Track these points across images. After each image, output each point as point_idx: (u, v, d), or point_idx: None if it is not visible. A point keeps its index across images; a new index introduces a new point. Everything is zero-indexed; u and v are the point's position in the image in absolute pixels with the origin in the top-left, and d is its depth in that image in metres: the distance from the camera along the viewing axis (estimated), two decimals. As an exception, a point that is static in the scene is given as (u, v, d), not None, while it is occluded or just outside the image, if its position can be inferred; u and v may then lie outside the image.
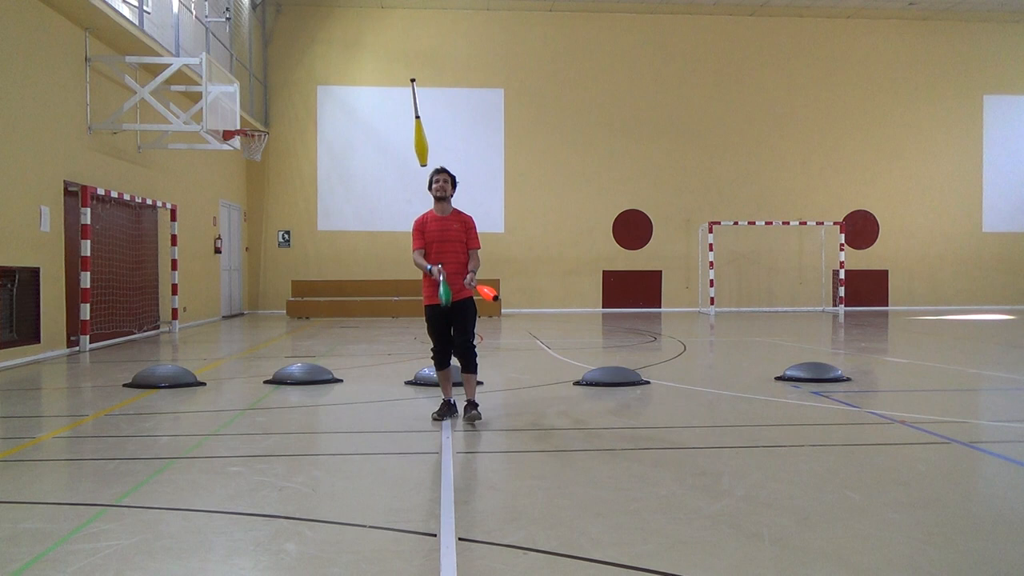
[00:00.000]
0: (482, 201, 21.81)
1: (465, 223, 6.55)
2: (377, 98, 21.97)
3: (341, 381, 8.61)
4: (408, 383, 8.45)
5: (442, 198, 6.54)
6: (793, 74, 22.87)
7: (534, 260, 22.22)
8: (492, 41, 22.18)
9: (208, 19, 17.06)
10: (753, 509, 4.04)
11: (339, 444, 5.71)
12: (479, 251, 6.65)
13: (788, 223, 21.77)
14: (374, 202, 21.89)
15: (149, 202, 14.07)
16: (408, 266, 21.52)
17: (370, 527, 3.75)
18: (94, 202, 11.97)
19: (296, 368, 8.66)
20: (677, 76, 22.60)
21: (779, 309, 22.51)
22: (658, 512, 4.00)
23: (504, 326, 17.46)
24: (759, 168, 22.81)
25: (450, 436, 5.80)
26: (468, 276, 6.35)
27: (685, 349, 12.29)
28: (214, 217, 18.90)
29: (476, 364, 6.57)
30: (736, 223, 21.50)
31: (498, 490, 4.56)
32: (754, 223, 21.57)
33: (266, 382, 8.53)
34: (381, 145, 21.87)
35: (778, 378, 8.51)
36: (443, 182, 6.53)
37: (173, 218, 15.13)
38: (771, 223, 21.67)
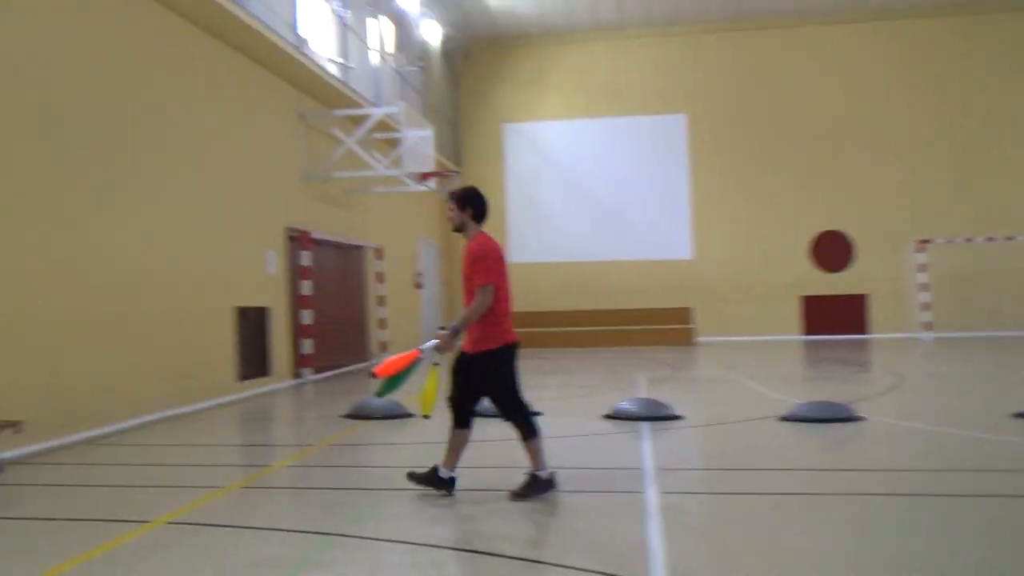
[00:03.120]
0: (668, 228, 21.57)
1: (469, 252, 5.25)
2: (561, 131, 22.40)
3: (540, 414, 8.70)
4: (606, 417, 8.41)
5: (457, 230, 5.46)
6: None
7: (725, 286, 21.51)
8: (672, 66, 21.95)
9: (404, 69, 18.19)
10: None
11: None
12: (485, 290, 5.09)
13: (1013, 238, 19.65)
14: (562, 233, 22.21)
15: (357, 243, 15.13)
16: (598, 295, 21.62)
17: (575, 568, 3.74)
18: (312, 245, 13.04)
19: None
20: (876, 86, 21.19)
21: (1007, 334, 20.29)
22: (898, 571, 3.68)
23: (699, 356, 17.01)
24: (978, 179, 20.81)
25: (653, 474, 5.69)
26: (446, 328, 5.13)
27: (901, 380, 11.36)
28: (414, 254, 19.97)
29: (526, 429, 5.31)
30: (952, 240, 19.70)
31: (708, 535, 4.40)
32: (972, 239, 19.67)
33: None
34: (566, 177, 22.24)
35: (1019, 415, 7.62)
36: (449, 211, 5.43)
37: (379, 257, 16.14)
38: (993, 239, 19.66)
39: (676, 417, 8.13)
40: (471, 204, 5.33)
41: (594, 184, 22.06)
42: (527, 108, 22.62)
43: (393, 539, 4.28)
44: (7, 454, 6.61)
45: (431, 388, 5.04)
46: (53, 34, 7.71)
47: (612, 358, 16.67)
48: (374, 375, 5.01)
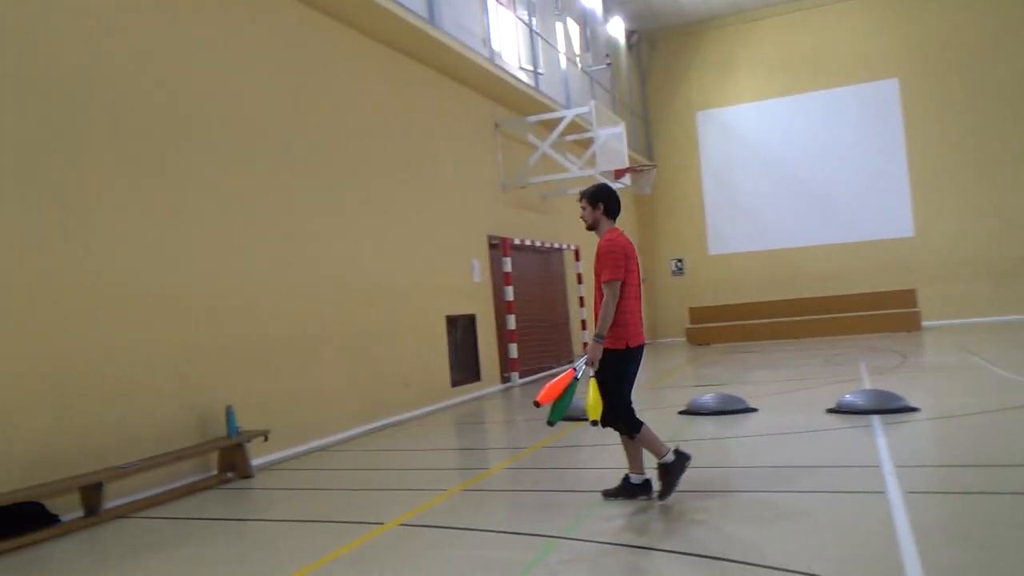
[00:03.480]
0: (883, 205, 19.92)
1: (598, 249, 5.11)
2: (757, 113, 21.39)
3: (756, 410, 8.33)
4: (830, 411, 7.86)
5: (591, 228, 5.33)
6: None
7: (953, 263, 19.47)
8: (880, 29, 20.24)
9: (591, 68, 18.18)
10: None
11: (769, 480, 5.46)
12: (611, 286, 4.93)
13: None
14: (764, 220, 21.18)
15: (556, 246, 15.30)
16: (806, 283, 20.42)
17: (823, 578, 3.48)
18: (512, 251, 13.35)
19: (709, 398, 8.59)
20: None
21: None
22: None
23: (926, 341, 15.55)
24: None
25: (893, 472, 5.21)
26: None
27: None
28: (611, 253, 19.87)
29: (628, 431, 5.14)
30: None
31: (966, 540, 3.95)
32: None
33: (680, 412, 8.60)
34: (766, 161, 21.17)
35: None
36: (582, 210, 5.32)
37: (577, 258, 16.23)
38: None
39: (911, 409, 7.44)
40: (602, 200, 5.26)
41: (796, 166, 20.83)
42: (720, 93, 21.82)
43: (616, 542, 4.22)
44: (256, 461, 7.30)
45: (595, 396, 4.89)
46: (281, 68, 8.43)
47: (827, 348, 15.64)
48: (537, 404, 4.92)
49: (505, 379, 13.22)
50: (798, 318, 19.44)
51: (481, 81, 12.71)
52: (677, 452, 5.04)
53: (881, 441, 6.28)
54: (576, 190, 15.61)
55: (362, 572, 4.12)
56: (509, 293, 13.20)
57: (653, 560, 3.92)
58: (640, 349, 5.16)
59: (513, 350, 13.19)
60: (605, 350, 4.98)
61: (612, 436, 7.68)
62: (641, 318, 5.22)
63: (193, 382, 6.97)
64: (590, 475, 6.06)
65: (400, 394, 10.07)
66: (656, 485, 5.04)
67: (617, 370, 5.04)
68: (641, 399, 10.10)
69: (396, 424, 9.69)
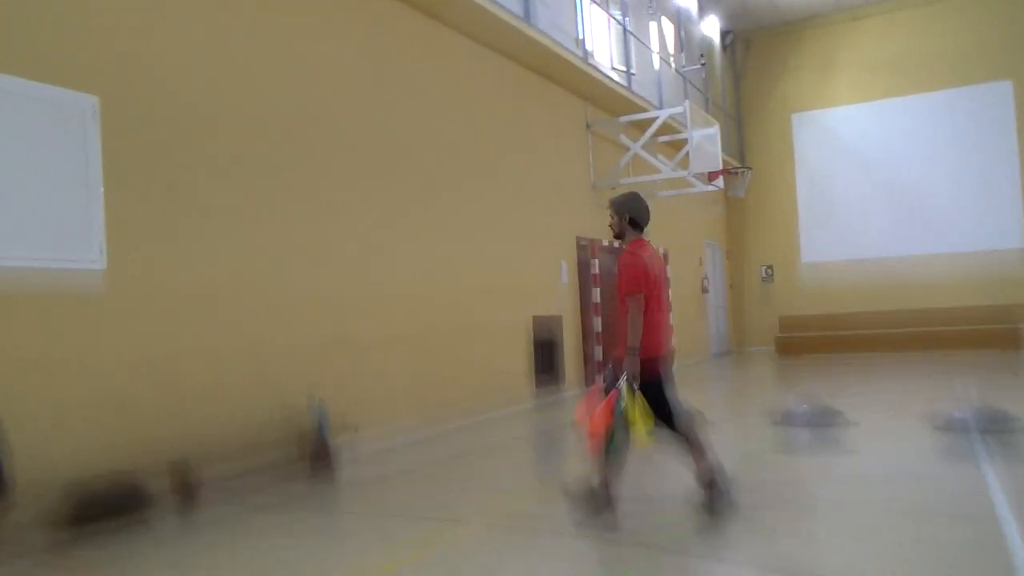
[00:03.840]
0: (989, 215, 18.80)
1: (620, 261, 5.09)
2: (856, 116, 20.54)
3: (856, 424, 7.96)
4: (937, 428, 7.45)
5: (618, 237, 5.30)
6: None
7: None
8: (993, 28, 19.12)
9: (684, 68, 17.85)
10: None
11: (872, 499, 5.17)
12: (634, 298, 4.84)
13: None
14: (861, 228, 20.29)
15: (643, 248, 15.04)
16: (903, 295, 19.52)
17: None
18: (600, 254, 13.20)
19: (804, 410, 8.27)
20: None
21: None
22: None
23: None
24: None
25: (1005, 496, 4.87)
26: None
27: None
28: (700, 257, 19.48)
29: (686, 447, 5.02)
30: None
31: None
32: None
33: (774, 423, 8.31)
34: (864, 166, 20.31)
35: None
36: (610, 219, 5.30)
37: (666, 261, 15.93)
38: None
39: (1027, 430, 6.99)
40: (628, 210, 5.19)
41: (897, 172, 19.89)
42: (817, 95, 21.08)
43: (719, 558, 4.06)
44: (344, 455, 7.39)
45: (638, 415, 4.68)
46: (372, 64, 8.54)
47: (927, 362, 14.90)
48: (578, 423, 4.81)
49: (589, 382, 13.06)
50: (894, 330, 18.60)
51: (574, 81, 12.61)
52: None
53: (991, 462, 5.89)
54: (666, 193, 15.36)
55: (450, 570, 4.08)
56: (596, 295, 13.06)
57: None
58: (660, 359, 4.99)
59: (598, 353, 13.04)
60: (616, 359, 4.94)
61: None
62: (665, 331, 5.09)
63: (286, 376, 7.11)
64: (681, 484, 5.88)
65: (483, 392, 10.06)
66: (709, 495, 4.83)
67: (656, 387, 4.89)
68: (730, 408, 9.86)
69: (485, 422, 9.68)
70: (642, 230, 5.24)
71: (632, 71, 14.60)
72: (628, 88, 14.07)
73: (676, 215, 17.74)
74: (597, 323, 13.02)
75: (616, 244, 8.11)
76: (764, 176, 21.37)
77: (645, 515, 5.02)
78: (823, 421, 8.02)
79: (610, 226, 5.32)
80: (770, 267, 21.67)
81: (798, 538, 4.35)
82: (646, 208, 5.28)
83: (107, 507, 5.31)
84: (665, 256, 15.88)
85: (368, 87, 8.46)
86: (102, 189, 5.65)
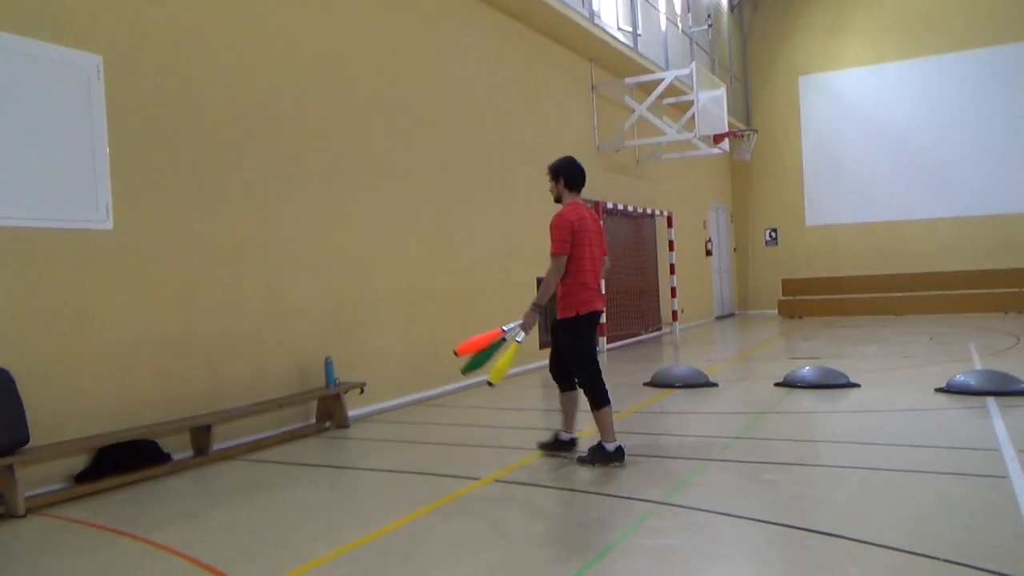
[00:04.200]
0: (1002, 179, 18.71)
1: (551, 223, 5.38)
2: (865, 79, 20.29)
3: (858, 386, 8.02)
4: (939, 390, 7.50)
5: (557, 200, 5.62)
6: None
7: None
8: (1006, -11, 18.87)
9: (691, 29, 17.63)
10: None
11: (876, 457, 5.24)
12: (555, 259, 5.27)
13: None
14: (868, 192, 20.21)
15: (648, 211, 15.02)
16: (910, 258, 19.52)
17: (943, 560, 3.31)
18: (604, 216, 13.17)
19: (808, 371, 8.32)
20: None
21: None
22: None
23: (1044, 323, 14.66)
24: None
25: (1015, 458, 4.92)
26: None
27: None
28: (704, 221, 19.43)
29: (594, 399, 5.32)
30: None
31: (1104, 531, 3.69)
32: None
33: (776, 384, 8.36)
34: (872, 129, 20.14)
35: None
36: (550, 184, 5.66)
37: (669, 224, 15.91)
38: None
39: (1031, 392, 7.04)
40: (564, 174, 5.52)
41: (906, 135, 19.73)
42: (825, 57, 20.83)
43: (718, 511, 4.13)
44: (353, 412, 7.48)
45: (505, 360, 5.13)
46: (382, 28, 8.46)
47: (933, 326, 14.94)
48: (456, 353, 5.24)
49: (593, 344, 13.12)
50: (900, 294, 18.62)
51: (580, 42, 12.47)
52: (620, 448, 5.23)
53: (999, 424, 5.95)
54: (672, 155, 15.27)
55: (462, 524, 4.16)
56: (600, 258, 13.06)
57: (757, 531, 3.81)
58: (592, 316, 5.35)
59: (602, 315, 13.07)
60: (559, 321, 5.38)
61: (705, 403, 7.57)
62: (596, 287, 5.40)
63: (297, 335, 7.16)
64: (686, 442, 5.96)
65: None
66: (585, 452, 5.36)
67: (574, 339, 5.34)
68: (737, 370, 9.92)
69: (487, 383, 9.74)
70: (578, 192, 5.57)
71: (638, 32, 14.42)
72: (634, 49, 13.92)
73: (681, 178, 17.66)
74: (601, 285, 13.03)
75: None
76: (770, 139, 21.23)
77: (651, 466, 5.09)
78: (826, 382, 8.07)
79: (550, 191, 5.63)
80: (774, 230, 21.62)
81: (798, 493, 4.42)
82: (581, 171, 5.57)
83: (122, 462, 5.40)
84: (669, 219, 15.87)
85: (373, 48, 8.39)
86: (108, 150, 5.64)
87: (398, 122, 8.67)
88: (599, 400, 5.30)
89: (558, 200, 5.58)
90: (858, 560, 3.37)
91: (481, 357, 5.28)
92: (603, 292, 5.49)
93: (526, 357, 10.96)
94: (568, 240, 5.25)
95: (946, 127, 19.33)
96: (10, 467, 4.66)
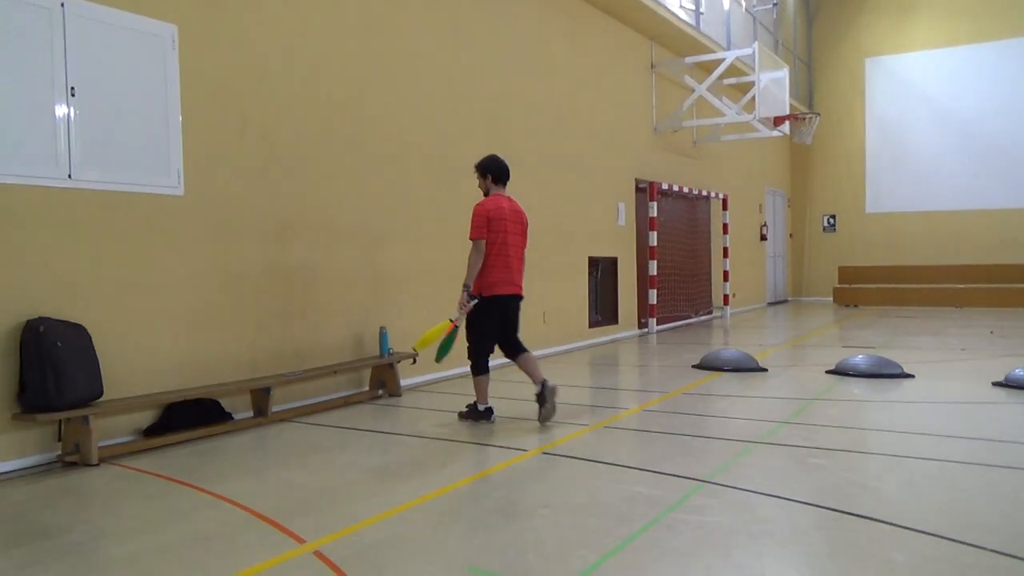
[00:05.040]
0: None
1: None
2: (934, 62, 19.70)
3: (912, 376, 7.92)
4: (996, 384, 7.37)
5: (485, 194, 6.21)
6: None
7: None
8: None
9: (755, 8, 17.29)
10: None
11: (926, 447, 5.21)
12: (473, 244, 5.95)
13: None
14: (932, 179, 19.69)
15: (704, 193, 14.89)
16: (973, 249, 18.99)
17: (990, 551, 3.31)
18: (659, 196, 13.12)
19: (860, 359, 8.24)
20: None
21: None
22: None
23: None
24: None
25: (1071, 453, 4.85)
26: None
27: None
28: (760, 205, 19.16)
29: (473, 366, 6.19)
30: None
31: None
32: None
33: (828, 372, 8.30)
34: (940, 115, 19.57)
35: None
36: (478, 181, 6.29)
37: (724, 207, 15.76)
38: None
39: (1093, 390, 6.88)
40: (488, 171, 6.14)
41: (974, 122, 19.11)
42: (893, 39, 20.25)
43: (766, 492, 4.17)
44: (405, 382, 7.66)
45: (434, 332, 5.99)
46: (424, 11, 8.53)
47: (994, 320, 14.56)
48: (415, 349, 6.27)
49: (642, 324, 13.14)
50: (961, 285, 18.15)
51: (640, 19, 12.37)
52: (489, 409, 6.09)
53: (1056, 419, 5.84)
54: (730, 137, 15.08)
55: (510, 491, 4.29)
56: (653, 239, 13.02)
57: (801, 513, 3.86)
58: (498, 300, 5.98)
59: (653, 296, 13.07)
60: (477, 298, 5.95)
61: (754, 387, 7.56)
62: (508, 273, 6.01)
63: (354, 304, 7.36)
64: (732, 424, 5.99)
65: (539, 330, 10.22)
66: (467, 410, 6.16)
67: (474, 316, 5.99)
68: (787, 356, 9.85)
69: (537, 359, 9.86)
70: (503, 186, 6.20)
71: (700, 10, 14.22)
72: (695, 27, 13.75)
73: (738, 160, 17.44)
74: (653, 266, 13.02)
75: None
76: (832, 123, 20.78)
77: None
78: (879, 372, 7.98)
79: (479, 187, 6.21)
80: (833, 216, 21.21)
81: (845, 478, 4.43)
82: (506, 168, 6.19)
83: (187, 419, 5.66)
84: (724, 202, 15.70)
85: (432, 27, 8.47)
86: (180, 118, 5.85)
87: (454, 100, 8.75)
88: (477, 369, 6.07)
89: (486, 194, 6.17)
90: (902, 545, 3.39)
91: (445, 344, 5.99)
92: (519, 281, 6.13)
93: (574, 336, 11.05)
94: (483, 227, 5.90)
95: (1016, 114, 18.67)
96: (85, 418, 4.93)
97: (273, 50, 6.61)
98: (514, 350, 6.22)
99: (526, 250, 6.31)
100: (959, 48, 19.33)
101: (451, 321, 5.98)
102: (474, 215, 5.97)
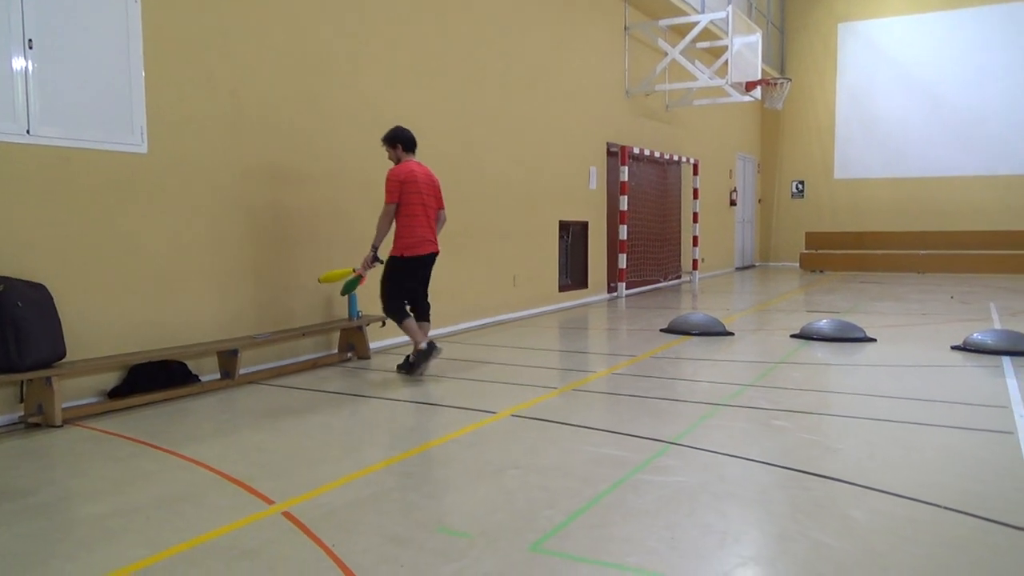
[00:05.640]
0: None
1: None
2: (905, 28, 19.80)
3: (874, 340, 8.08)
4: (955, 348, 7.55)
5: (396, 163, 6.54)
6: None
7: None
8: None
9: (729, -29, 17.18)
10: None
11: (887, 409, 5.33)
12: (385, 207, 6.38)
13: None
14: (899, 146, 19.92)
15: (675, 158, 14.92)
16: (939, 216, 19.30)
17: (945, 508, 3.42)
18: (630, 160, 13.11)
19: (825, 324, 8.38)
20: None
21: None
22: None
23: (1069, 287, 14.54)
24: None
25: (1024, 415, 5.00)
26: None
27: None
28: (730, 170, 19.25)
29: (394, 321, 6.62)
30: None
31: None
32: None
33: (792, 336, 8.44)
34: (909, 82, 19.73)
35: None
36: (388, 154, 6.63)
37: (695, 172, 15.80)
38: None
39: (1047, 354, 7.08)
40: (397, 141, 6.45)
41: (944, 89, 19.29)
42: (865, 4, 20.29)
43: (727, 453, 4.25)
44: (374, 344, 7.65)
45: (338, 274, 6.56)
46: (408, -37, 8.36)
47: (955, 285, 14.87)
48: (319, 280, 6.72)
49: (612, 288, 13.22)
50: (924, 251, 18.49)
51: (614, -20, 12.24)
52: (430, 343, 6.47)
53: (1012, 383, 6.01)
54: (702, 101, 15.07)
55: (479, 453, 4.32)
56: (624, 203, 13.04)
57: (764, 473, 3.94)
58: (415, 260, 6.40)
59: (622, 260, 13.13)
60: (389, 258, 6.42)
61: (721, 351, 7.67)
62: (423, 232, 6.40)
63: (322, 266, 7.28)
64: (699, 387, 6.08)
65: (509, 293, 10.25)
66: (412, 359, 6.50)
67: (390, 273, 6.42)
68: (754, 320, 9.98)
69: (504, 323, 9.91)
70: (412, 153, 6.51)
71: (675, -28, 14.09)
72: (669, -11, 13.64)
73: (710, 125, 17.47)
74: (623, 231, 13.06)
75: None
76: (803, 89, 20.85)
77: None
78: (843, 336, 8.13)
79: (388, 158, 6.53)
80: (801, 182, 21.39)
81: (806, 440, 4.53)
82: (412, 138, 6.52)
83: (153, 380, 5.61)
84: (695, 167, 15.75)
85: (405, -21, 8.32)
86: (143, 74, 5.70)
87: (424, 61, 8.63)
88: (399, 317, 6.44)
89: (397, 163, 6.46)
90: (860, 503, 3.49)
91: (349, 285, 6.54)
92: (435, 239, 6.56)
93: (544, 300, 11.09)
94: (396, 192, 6.26)
95: (986, 82, 18.89)
96: (48, 379, 4.87)
97: (239, 4, 6.45)
98: (419, 314, 6.62)
99: (444, 211, 6.76)
100: (931, 14, 19.44)
101: (354, 271, 6.51)
102: (387, 180, 6.30)
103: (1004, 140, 18.69)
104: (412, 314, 6.56)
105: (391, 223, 6.36)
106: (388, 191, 6.30)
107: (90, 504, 3.61)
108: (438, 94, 8.79)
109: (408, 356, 6.59)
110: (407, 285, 6.50)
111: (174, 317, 5.96)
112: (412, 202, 6.33)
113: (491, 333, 9.09)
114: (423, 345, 6.47)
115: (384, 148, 6.55)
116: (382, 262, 6.50)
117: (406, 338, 8.19)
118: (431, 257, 6.54)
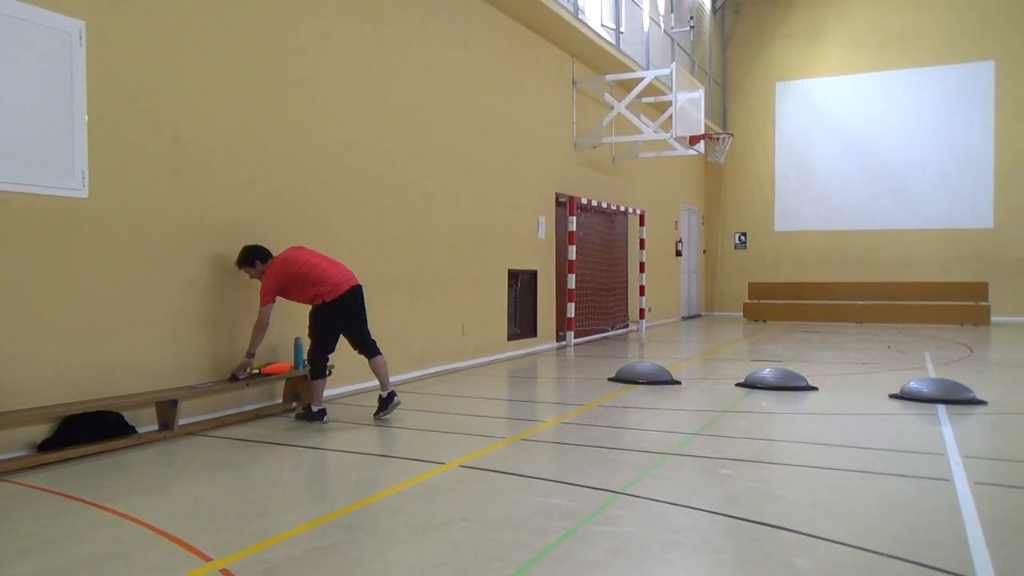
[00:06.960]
0: (963, 193, 19.23)
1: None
2: (839, 88, 20.73)
3: (816, 389, 8.24)
4: (893, 396, 7.75)
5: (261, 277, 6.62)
6: None
7: (1033, 260, 18.81)
8: (977, 8, 19.31)
9: (673, 30, 17.80)
10: None
11: (827, 457, 5.42)
12: (263, 310, 6.45)
13: None
14: (836, 200, 20.67)
15: (622, 208, 15.19)
16: (874, 267, 19.94)
17: (887, 556, 3.47)
18: (578, 211, 13.30)
19: (768, 373, 8.53)
20: None
21: None
22: None
23: (995, 336, 15.09)
24: None
25: (960, 463, 5.13)
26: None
27: None
28: (676, 221, 19.67)
29: (312, 372, 6.67)
30: None
31: (1036, 535, 3.88)
32: None
33: (737, 384, 8.56)
34: (843, 138, 20.59)
35: None
36: (249, 276, 6.76)
37: (641, 223, 16.10)
38: None
39: (978, 402, 7.31)
40: (257, 257, 6.56)
41: (876, 146, 20.18)
42: (802, 65, 21.19)
43: (678, 503, 4.26)
44: (328, 392, 7.50)
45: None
46: (354, 13, 8.46)
47: (891, 335, 15.32)
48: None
49: (560, 337, 13.28)
50: (862, 302, 19.04)
51: (562, 35, 12.56)
52: (322, 411, 6.54)
53: (947, 430, 6.18)
54: (647, 154, 15.43)
55: (426, 505, 4.25)
56: (572, 252, 13.20)
57: (711, 522, 3.95)
58: (344, 300, 6.46)
59: (571, 309, 13.23)
60: (311, 308, 6.49)
61: (668, 399, 7.73)
62: (339, 268, 6.55)
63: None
64: (647, 436, 6.10)
65: (459, 341, 10.21)
66: (300, 411, 6.69)
67: (317, 320, 6.50)
68: (700, 369, 10.11)
69: (453, 371, 9.85)
70: (271, 257, 6.59)
71: (621, 29, 14.55)
72: (616, 46, 14.05)
73: (655, 178, 17.87)
74: (571, 280, 13.18)
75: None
76: (744, 143, 21.54)
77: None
78: (786, 384, 8.28)
79: (251, 277, 6.63)
80: (744, 234, 21.95)
81: (751, 488, 4.57)
82: (259, 247, 6.63)
83: (87, 433, 5.40)
84: (641, 218, 16.07)
85: (352, 33, 8.39)
86: (86, 117, 5.61)
87: (374, 110, 8.69)
88: (316, 373, 6.52)
89: (263, 273, 6.53)
90: (805, 552, 3.51)
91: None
92: (352, 274, 6.67)
93: (493, 348, 11.08)
94: (274, 291, 6.40)
95: (914, 140, 19.79)
96: (-26, 432, 4.65)
97: (188, 48, 6.42)
98: (368, 351, 6.65)
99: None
100: (861, 75, 20.38)
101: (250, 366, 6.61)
102: (264, 282, 6.43)
103: (931, 195, 19.54)
104: (363, 355, 6.66)
105: (265, 328, 6.39)
106: (266, 291, 6.36)
107: (16, 563, 3.43)
108: (390, 142, 8.84)
109: (310, 404, 6.63)
110: (332, 331, 6.54)
111: (111, 366, 5.78)
112: (307, 261, 6.47)
113: (440, 382, 9.02)
114: (383, 393, 6.60)
115: (244, 271, 6.63)
116: (258, 372, 6.64)
117: (356, 386, 8.10)
118: (353, 291, 6.54)
